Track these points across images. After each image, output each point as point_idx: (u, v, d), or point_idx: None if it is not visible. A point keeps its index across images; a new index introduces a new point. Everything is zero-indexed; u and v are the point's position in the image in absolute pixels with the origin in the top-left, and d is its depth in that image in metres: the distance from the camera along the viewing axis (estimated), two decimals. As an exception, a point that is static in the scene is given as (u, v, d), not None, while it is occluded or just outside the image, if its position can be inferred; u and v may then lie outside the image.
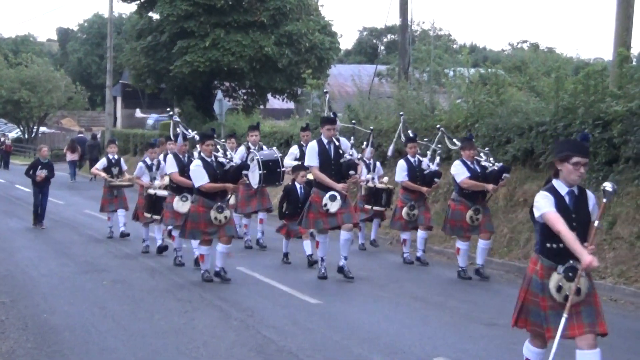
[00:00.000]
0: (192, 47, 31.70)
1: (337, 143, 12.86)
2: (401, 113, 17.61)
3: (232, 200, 14.45)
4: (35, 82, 58.15)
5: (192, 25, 31.63)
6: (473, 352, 9.07)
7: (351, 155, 12.91)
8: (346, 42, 71.71)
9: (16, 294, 12.19)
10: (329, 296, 12.08)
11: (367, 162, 16.46)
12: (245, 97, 36.09)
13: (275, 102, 39.55)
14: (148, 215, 15.49)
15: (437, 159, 15.24)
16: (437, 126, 16.07)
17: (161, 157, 16.04)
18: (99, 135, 51.14)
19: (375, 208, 16.57)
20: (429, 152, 15.36)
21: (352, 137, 13.96)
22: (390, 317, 10.87)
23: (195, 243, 13.34)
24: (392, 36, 69.61)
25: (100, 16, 75.36)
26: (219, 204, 12.39)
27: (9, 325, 10.14)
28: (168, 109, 17.19)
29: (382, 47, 76.99)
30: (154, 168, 16.20)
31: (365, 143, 16.35)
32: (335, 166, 12.70)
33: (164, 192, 14.93)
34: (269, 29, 32.15)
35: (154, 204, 15.18)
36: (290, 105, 40.92)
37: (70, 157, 40.77)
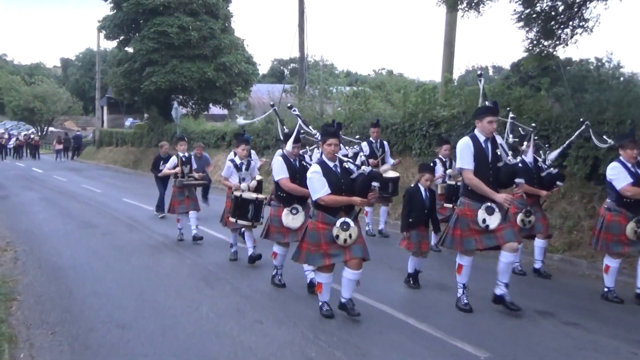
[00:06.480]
0: (157, 72, 31.12)
1: (500, 141, 7.30)
2: (509, 108, 9.82)
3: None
4: (44, 96, 58.15)
5: (157, 57, 31.07)
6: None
7: (509, 159, 7.26)
8: (263, 68, 71.49)
9: (33, 244, 11.83)
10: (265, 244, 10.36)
11: (444, 159, 11.34)
12: (193, 106, 35.63)
13: (214, 109, 39.03)
14: (233, 219, 9.76)
15: (554, 153, 9.42)
16: (581, 120, 9.51)
17: (254, 155, 11.26)
18: (90, 135, 50.74)
19: (456, 207, 10.47)
20: (541, 151, 9.53)
21: (510, 135, 8.13)
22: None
23: (307, 266, 7.93)
24: (294, 64, 69.44)
25: (90, 50, 72.68)
26: (343, 219, 6.81)
27: (29, 266, 9.91)
28: (291, 106, 8.58)
29: (287, 72, 76.53)
30: (244, 168, 10.15)
31: (526, 143, 8.99)
32: (494, 171, 7.15)
33: (251, 195, 9.74)
34: (210, 59, 31.81)
35: (240, 208, 9.62)
36: (225, 111, 40.61)
37: (57, 147, 44.69)
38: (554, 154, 9.37)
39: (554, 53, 13.48)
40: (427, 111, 15.45)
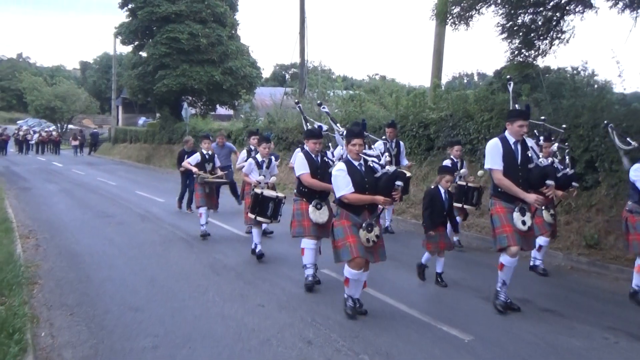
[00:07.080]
0: (168, 75, 31.15)
1: (530, 143, 6.72)
2: (606, 122, 8.17)
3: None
4: (65, 96, 57.86)
5: (168, 61, 31.08)
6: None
7: (541, 161, 6.84)
8: (266, 72, 71.30)
9: (53, 232, 11.81)
10: (270, 242, 10.49)
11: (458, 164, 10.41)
12: (202, 107, 35.59)
13: (221, 110, 38.99)
14: (252, 215, 9.01)
15: (567, 158, 8.70)
16: (605, 122, 8.20)
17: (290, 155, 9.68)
18: (106, 133, 50.86)
19: (465, 206, 10.17)
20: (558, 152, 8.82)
21: (541, 138, 7.88)
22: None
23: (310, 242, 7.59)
24: (295, 69, 69.31)
25: (107, 54, 72.89)
26: (368, 222, 6.22)
27: (49, 252, 9.89)
28: (320, 102, 8.85)
29: (288, 76, 76.53)
30: (265, 166, 9.55)
31: (556, 145, 8.61)
32: (523, 172, 6.55)
33: (272, 193, 9.11)
34: (218, 64, 31.82)
35: (260, 205, 8.92)
36: (230, 112, 40.58)
37: (73, 143, 44.61)
38: None
39: (534, 62, 13.50)
40: (417, 114, 15.46)
